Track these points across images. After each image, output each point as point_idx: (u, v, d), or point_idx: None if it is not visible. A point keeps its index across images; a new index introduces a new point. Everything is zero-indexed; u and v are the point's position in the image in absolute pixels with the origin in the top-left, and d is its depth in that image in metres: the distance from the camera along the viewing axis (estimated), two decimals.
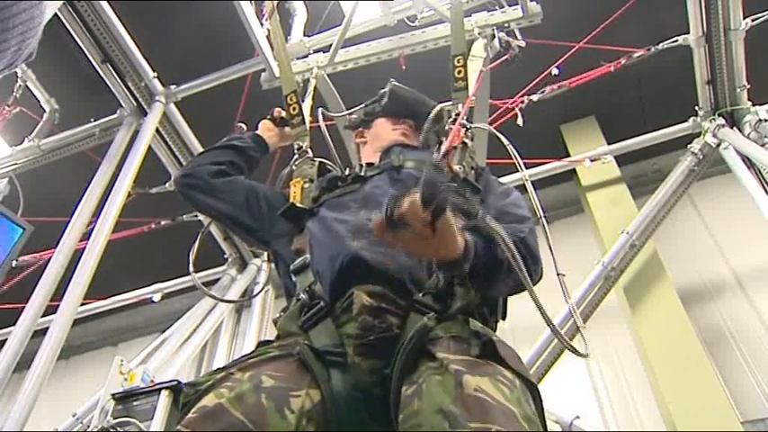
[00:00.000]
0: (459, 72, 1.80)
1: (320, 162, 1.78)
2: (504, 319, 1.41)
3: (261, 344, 1.30)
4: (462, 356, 1.12)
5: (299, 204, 1.58)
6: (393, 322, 1.20)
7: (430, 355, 1.13)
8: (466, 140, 1.57)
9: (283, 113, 1.95)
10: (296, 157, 1.83)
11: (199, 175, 1.70)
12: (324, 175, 1.71)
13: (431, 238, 1.04)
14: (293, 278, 1.39)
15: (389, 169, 1.56)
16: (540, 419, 1.10)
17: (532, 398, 1.12)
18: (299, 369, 1.16)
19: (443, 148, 1.55)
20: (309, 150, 1.84)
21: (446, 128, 1.65)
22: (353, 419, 1.15)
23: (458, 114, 1.67)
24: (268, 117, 1.96)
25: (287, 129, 1.94)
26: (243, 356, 1.24)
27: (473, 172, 1.52)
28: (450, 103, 1.80)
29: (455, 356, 1.11)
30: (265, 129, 1.93)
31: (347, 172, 1.65)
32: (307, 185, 1.67)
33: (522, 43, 1.87)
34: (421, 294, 1.24)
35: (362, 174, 1.59)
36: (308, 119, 1.97)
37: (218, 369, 1.19)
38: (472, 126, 1.64)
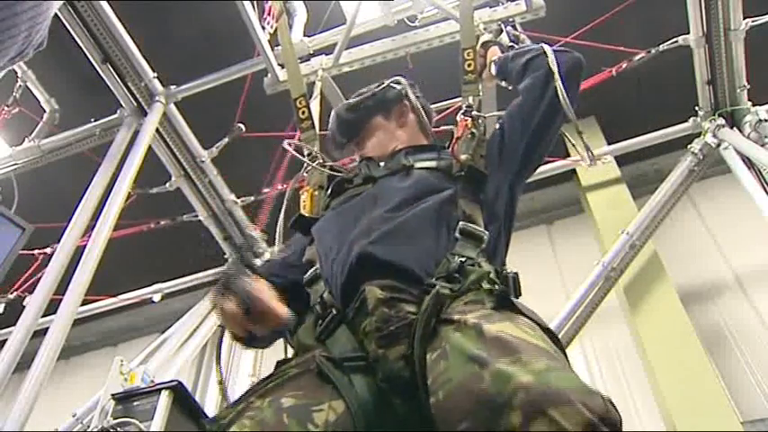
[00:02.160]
0: (470, 65, 1.79)
1: (330, 168, 1.74)
2: (518, 297, 1.39)
3: (279, 363, 1.28)
4: (478, 312, 1.14)
5: (307, 214, 1.57)
6: (409, 310, 1.20)
7: (447, 321, 1.14)
8: (474, 130, 1.57)
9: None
10: (306, 164, 1.78)
11: None
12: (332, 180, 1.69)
13: None
14: (308, 291, 1.38)
15: (400, 170, 1.55)
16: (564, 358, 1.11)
17: (552, 341, 1.13)
18: (319, 383, 1.15)
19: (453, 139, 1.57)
20: (319, 155, 1.79)
21: (457, 118, 1.65)
22: (385, 415, 1.15)
23: (468, 106, 1.67)
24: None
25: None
26: (262, 380, 1.22)
27: (482, 159, 1.52)
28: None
29: (471, 314, 1.13)
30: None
31: (353, 174, 1.64)
32: (317, 193, 1.65)
33: (528, 41, 1.86)
34: (433, 279, 1.24)
35: (372, 174, 1.57)
36: (317, 123, 1.94)
37: (239, 399, 1.18)
38: (482, 115, 1.63)
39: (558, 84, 1.46)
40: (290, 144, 1.78)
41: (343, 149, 1.83)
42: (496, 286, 1.29)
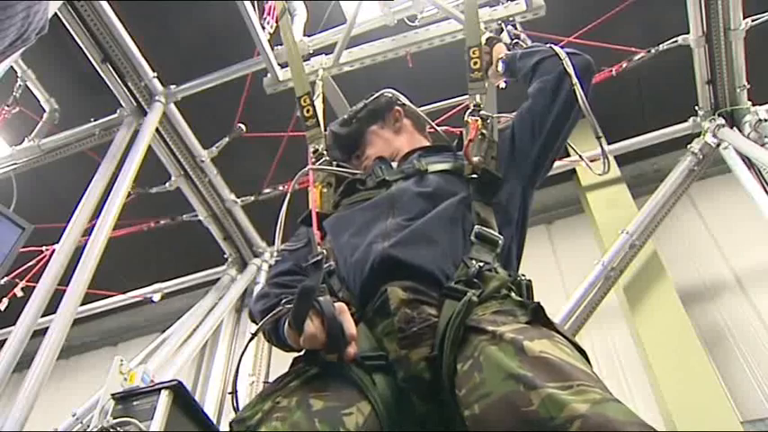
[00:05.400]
0: (476, 63, 1.78)
1: (338, 165, 1.75)
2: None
3: (296, 360, 1.26)
4: (513, 325, 1.13)
5: (318, 210, 1.57)
6: (430, 312, 1.20)
7: (478, 330, 1.13)
8: (484, 131, 1.56)
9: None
10: (312, 160, 1.79)
11: None
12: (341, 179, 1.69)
13: None
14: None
15: (414, 174, 1.54)
16: None
17: (585, 359, 1.12)
18: (343, 383, 1.14)
19: (465, 141, 1.56)
20: (326, 153, 1.80)
21: (465, 119, 1.64)
22: (406, 414, 1.15)
23: (476, 105, 1.65)
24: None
25: None
26: (282, 378, 1.21)
27: (493, 161, 1.51)
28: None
29: (506, 327, 1.12)
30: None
31: (366, 174, 1.63)
32: (325, 190, 1.65)
33: (529, 41, 1.86)
34: (452, 283, 1.24)
35: (386, 178, 1.56)
36: (321, 121, 1.94)
37: (261, 397, 1.16)
38: (491, 116, 1.61)
39: (578, 88, 1.47)
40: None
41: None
42: (519, 296, 1.28)
